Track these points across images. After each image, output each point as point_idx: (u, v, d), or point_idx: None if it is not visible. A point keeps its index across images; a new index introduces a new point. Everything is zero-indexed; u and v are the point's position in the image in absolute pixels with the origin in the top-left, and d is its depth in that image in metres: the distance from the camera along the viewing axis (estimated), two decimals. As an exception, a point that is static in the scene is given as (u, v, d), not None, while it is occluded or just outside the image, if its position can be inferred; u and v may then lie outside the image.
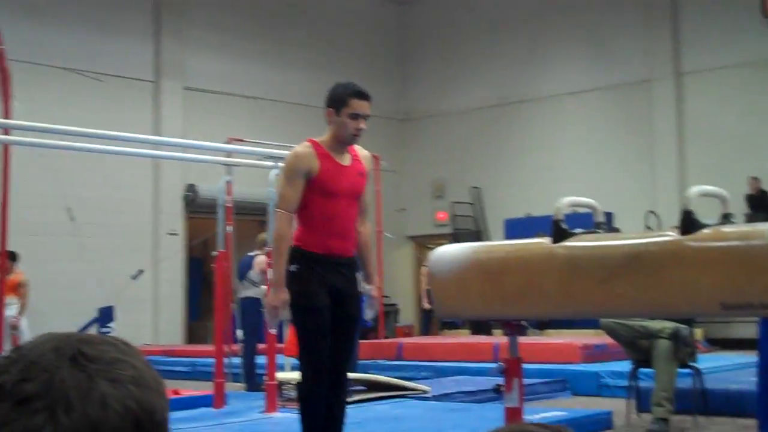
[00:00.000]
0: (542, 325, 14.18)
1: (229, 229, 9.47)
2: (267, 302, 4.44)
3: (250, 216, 14.77)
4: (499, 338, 11.26)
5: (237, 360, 10.65)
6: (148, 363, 0.99)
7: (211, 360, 8.61)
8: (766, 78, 16.44)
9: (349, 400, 8.20)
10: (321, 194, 4.41)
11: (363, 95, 4.54)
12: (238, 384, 10.40)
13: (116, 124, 13.48)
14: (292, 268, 4.37)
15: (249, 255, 10.39)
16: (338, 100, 4.53)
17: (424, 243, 20.22)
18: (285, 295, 4.34)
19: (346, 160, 4.53)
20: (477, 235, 18.67)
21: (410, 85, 21.54)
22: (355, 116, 4.48)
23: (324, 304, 4.32)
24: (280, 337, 9.54)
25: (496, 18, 19.37)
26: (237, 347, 10.58)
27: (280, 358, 9.35)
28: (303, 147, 4.53)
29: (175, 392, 8.75)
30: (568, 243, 3.64)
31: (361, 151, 4.63)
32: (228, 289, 10.51)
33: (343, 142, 4.52)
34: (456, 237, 18.19)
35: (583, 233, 3.70)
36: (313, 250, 4.38)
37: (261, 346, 9.48)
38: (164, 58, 17.32)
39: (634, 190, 17.35)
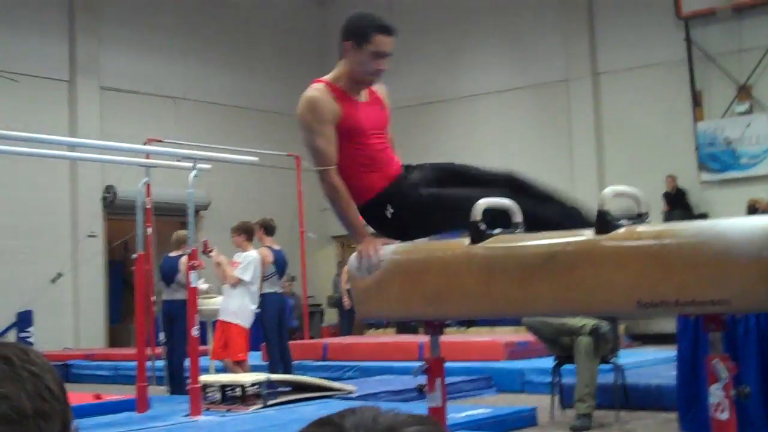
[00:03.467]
0: (467, 323, 14.27)
1: (149, 230, 9.38)
2: (364, 253, 3.84)
3: (171, 217, 14.64)
4: (424, 337, 11.31)
5: (160, 363, 10.55)
6: (33, 381, 0.97)
7: (134, 363, 8.51)
8: (681, 77, 16.74)
9: (273, 401, 8.19)
10: (349, 140, 3.87)
11: (389, 30, 3.89)
12: (162, 387, 10.30)
13: (32, 124, 13.25)
14: (389, 214, 3.91)
15: (170, 256, 10.27)
16: (360, 33, 3.85)
17: (347, 243, 20.21)
18: (380, 240, 3.89)
19: (363, 96, 3.97)
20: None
21: (332, 85, 21.49)
22: (378, 55, 3.85)
23: None
24: (203, 340, 9.47)
25: (417, 19, 19.42)
26: (160, 350, 10.48)
27: (204, 361, 9.28)
28: (316, 91, 3.87)
29: (97, 397, 8.65)
30: (486, 243, 3.66)
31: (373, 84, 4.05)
32: (149, 291, 10.40)
33: (359, 81, 3.91)
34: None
35: (502, 233, 3.72)
36: (372, 195, 3.93)
37: (203, 348, 9.35)
38: (79, 56, 17.00)
39: (554, 189, 17.53)
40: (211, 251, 9.48)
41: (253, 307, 9.50)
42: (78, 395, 9.28)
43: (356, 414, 0.88)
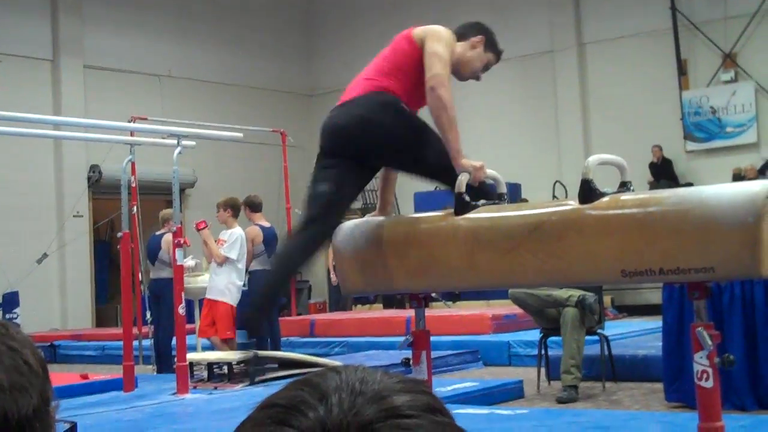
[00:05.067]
0: (454, 297, 14.28)
1: (134, 209, 9.34)
2: (469, 167, 3.80)
3: (157, 195, 14.58)
4: (411, 312, 11.32)
5: (147, 342, 10.53)
6: (11, 355, 0.94)
7: (121, 343, 8.48)
8: (666, 47, 16.71)
9: (260, 378, 8.19)
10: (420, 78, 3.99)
11: (498, 59, 4.33)
12: (149, 366, 10.28)
13: (15, 104, 13.14)
14: None
15: (156, 235, 10.23)
16: (493, 43, 4.25)
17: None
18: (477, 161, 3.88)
19: None
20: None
21: (316, 61, 21.41)
22: (486, 68, 4.24)
23: None
24: (190, 318, 9.45)
25: (402, -9, 19.33)
26: (147, 329, 10.45)
27: (191, 339, 9.26)
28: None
29: (84, 376, 8.62)
30: (470, 215, 3.64)
31: None
32: (135, 270, 10.37)
33: (457, 72, 4.14)
34: (365, 212, 18.15)
35: (486, 204, 3.70)
36: None
37: (190, 326, 9.29)
38: (62, 35, 16.85)
39: (541, 161, 17.53)
40: (205, 228, 9.42)
41: (240, 284, 9.47)
42: (65, 375, 9.27)
43: (341, 374, 0.79)
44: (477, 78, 4.21)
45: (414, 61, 3.96)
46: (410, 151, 3.96)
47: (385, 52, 4.12)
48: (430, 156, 3.93)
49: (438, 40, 3.96)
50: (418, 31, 4.05)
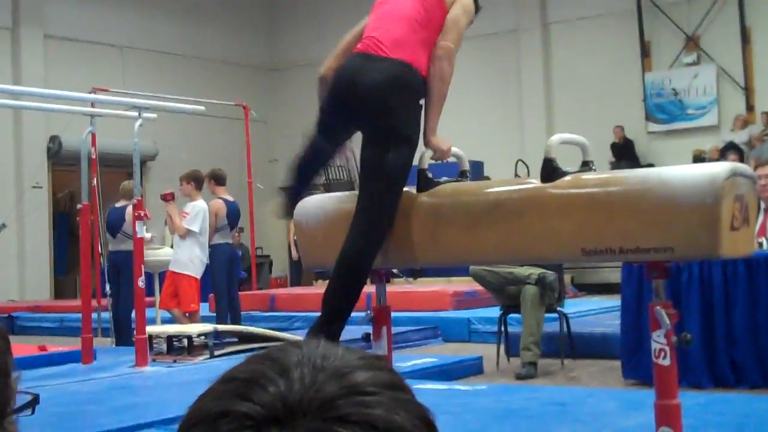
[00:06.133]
0: (415, 273, 14.31)
1: (94, 181, 9.25)
2: (437, 147, 3.81)
3: (117, 168, 14.46)
4: (372, 287, 11.33)
5: (106, 315, 10.46)
6: None
7: (79, 315, 8.42)
8: (630, 28, 16.80)
9: (219, 352, 8.17)
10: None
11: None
12: (108, 339, 10.23)
13: (-26, 73, 12.98)
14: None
15: (116, 207, 10.15)
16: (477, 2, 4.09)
17: (297, 193, 20.11)
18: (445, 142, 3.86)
19: None
20: (350, 186, 18.66)
21: (279, 35, 21.28)
22: (470, 23, 4.09)
23: None
24: (150, 291, 9.40)
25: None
26: (106, 301, 10.39)
27: (150, 312, 9.22)
28: None
29: (42, 348, 8.55)
30: (433, 191, 3.65)
31: None
32: (95, 242, 10.29)
33: None
34: (329, 188, 18.14)
35: (448, 181, 3.71)
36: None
37: (149, 299, 9.23)
38: (22, 3, 16.63)
39: (504, 139, 17.58)
40: (172, 199, 9.35)
41: (204, 257, 9.43)
42: (23, 347, 9.18)
43: (302, 349, 0.79)
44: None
45: (441, 24, 3.90)
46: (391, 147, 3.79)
47: (417, 7, 3.90)
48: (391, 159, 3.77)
49: (464, 11, 3.93)
50: None
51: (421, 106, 3.82)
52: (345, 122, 3.99)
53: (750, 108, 16.06)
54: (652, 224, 3.08)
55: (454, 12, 3.90)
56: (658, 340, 3.13)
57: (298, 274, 17.23)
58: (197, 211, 9.35)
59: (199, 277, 9.40)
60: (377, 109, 3.76)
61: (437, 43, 3.84)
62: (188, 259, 9.32)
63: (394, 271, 13.15)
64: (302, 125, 20.99)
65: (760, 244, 6.26)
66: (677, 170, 3.17)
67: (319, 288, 14.83)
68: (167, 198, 9.35)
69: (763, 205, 6.54)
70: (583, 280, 15.42)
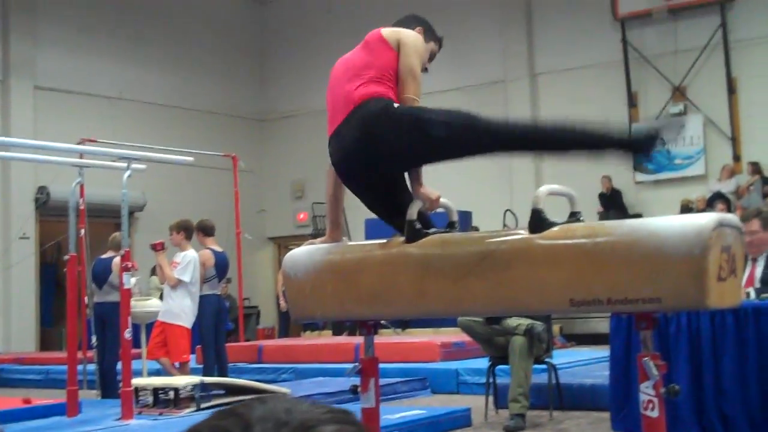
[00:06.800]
0: (403, 324, 14.26)
1: (82, 232, 9.23)
2: (426, 197, 3.76)
3: (105, 218, 14.45)
4: (360, 339, 11.29)
5: (92, 367, 10.37)
6: None
7: (65, 367, 8.35)
8: (617, 79, 16.94)
9: (206, 404, 8.10)
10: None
11: (440, 46, 4.21)
12: (93, 391, 10.13)
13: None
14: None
15: (103, 258, 10.11)
16: (433, 32, 4.14)
17: (285, 244, 20.09)
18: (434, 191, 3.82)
19: None
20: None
21: (269, 85, 21.40)
22: (431, 58, 4.10)
23: None
24: (136, 342, 9.33)
25: (354, 19, 19.37)
26: (92, 353, 10.31)
27: (137, 364, 9.14)
28: None
29: (27, 401, 8.47)
30: (421, 242, 3.64)
31: None
32: (81, 294, 10.23)
33: None
34: (317, 238, 18.12)
35: (436, 232, 3.70)
36: None
37: (136, 351, 9.17)
38: (13, 55, 16.69)
39: (492, 189, 17.63)
40: (162, 249, 9.31)
41: (195, 307, 9.38)
42: (7, 400, 9.11)
43: (266, 404, 0.78)
44: (425, 70, 3.98)
45: (390, 65, 3.86)
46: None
47: (360, 55, 3.95)
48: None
49: (415, 53, 3.87)
50: (388, 32, 3.94)
51: (408, 116, 3.72)
52: (373, 180, 3.93)
53: (737, 158, 16.16)
54: (640, 275, 3.07)
55: (405, 60, 3.84)
56: (647, 392, 3.11)
57: (286, 325, 17.15)
58: (188, 261, 9.32)
59: (190, 327, 9.35)
60: (370, 148, 3.72)
61: (399, 97, 3.78)
62: (179, 309, 9.27)
63: (382, 322, 13.11)
64: (290, 176, 21.23)
65: (748, 294, 6.26)
66: (665, 221, 3.17)
67: (307, 339, 14.79)
68: (157, 248, 9.31)
69: (750, 256, 6.55)
70: (571, 330, 15.38)
